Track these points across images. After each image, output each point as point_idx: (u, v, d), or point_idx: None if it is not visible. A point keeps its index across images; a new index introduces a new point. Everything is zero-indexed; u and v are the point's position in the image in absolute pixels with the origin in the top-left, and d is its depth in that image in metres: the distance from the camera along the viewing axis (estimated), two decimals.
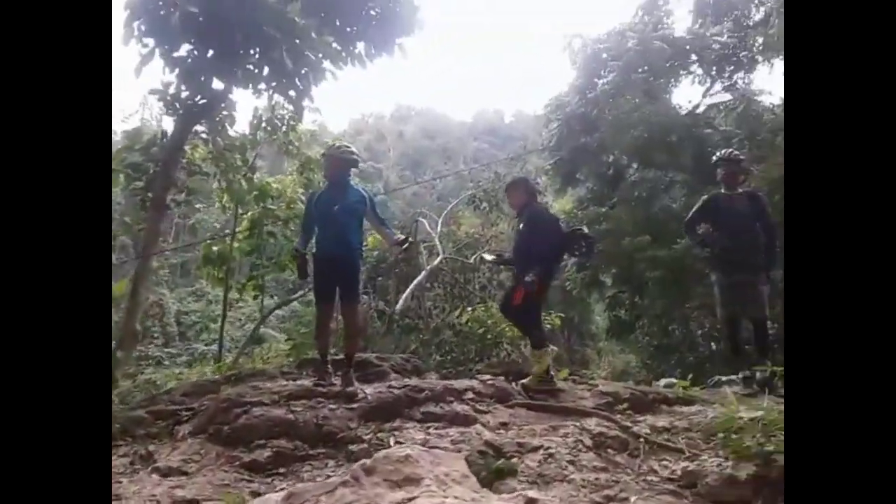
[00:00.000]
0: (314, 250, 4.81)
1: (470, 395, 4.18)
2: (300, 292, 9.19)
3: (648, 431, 3.64)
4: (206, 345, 23.19)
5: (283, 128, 8.11)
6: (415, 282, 9.69)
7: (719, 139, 14.04)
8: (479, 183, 12.52)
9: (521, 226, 4.90)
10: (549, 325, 6.77)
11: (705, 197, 5.37)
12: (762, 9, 14.06)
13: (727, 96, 14.98)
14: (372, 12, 6.55)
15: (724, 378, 4.87)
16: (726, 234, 4.99)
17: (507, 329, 6.75)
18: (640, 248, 11.41)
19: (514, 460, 3.24)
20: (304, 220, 5.06)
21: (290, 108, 7.51)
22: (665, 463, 3.30)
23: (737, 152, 5.54)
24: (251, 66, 5.49)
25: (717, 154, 5.42)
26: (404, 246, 4.94)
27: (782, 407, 3.43)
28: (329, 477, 3.18)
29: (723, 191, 5.19)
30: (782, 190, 10.88)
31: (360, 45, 6.72)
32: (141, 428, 4.33)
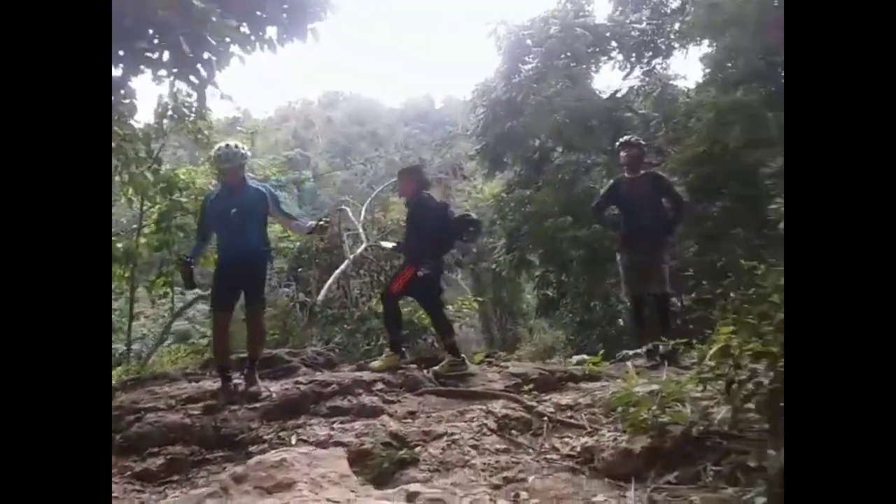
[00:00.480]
0: (217, 255, 4.55)
1: (380, 385, 4.13)
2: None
3: (552, 410, 3.69)
4: (125, 345, 22.04)
5: (192, 116, 7.71)
6: (338, 271, 9.53)
7: (638, 122, 14.55)
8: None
9: (407, 215, 4.96)
10: (466, 308, 6.78)
11: (610, 181, 5.58)
12: None
13: (645, 80, 15.49)
14: None
15: (630, 352, 5.02)
16: (630, 215, 5.20)
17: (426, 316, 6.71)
18: (561, 229, 11.67)
19: (418, 449, 3.21)
20: (198, 226, 4.75)
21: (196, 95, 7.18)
22: (566, 440, 3.36)
23: (637, 137, 5.71)
24: (148, 52, 5.15)
25: (619, 140, 5.59)
26: (322, 226, 4.70)
27: (681, 378, 3.56)
28: None
29: (626, 175, 5.39)
30: (696, 169, 11.37)
31: (271, 30, 6.48)
32: None
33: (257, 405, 3.86)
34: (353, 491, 2.09)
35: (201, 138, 8.15)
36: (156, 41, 5.42)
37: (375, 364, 4.73)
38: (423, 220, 4.80)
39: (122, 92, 6.04)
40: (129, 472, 3.32)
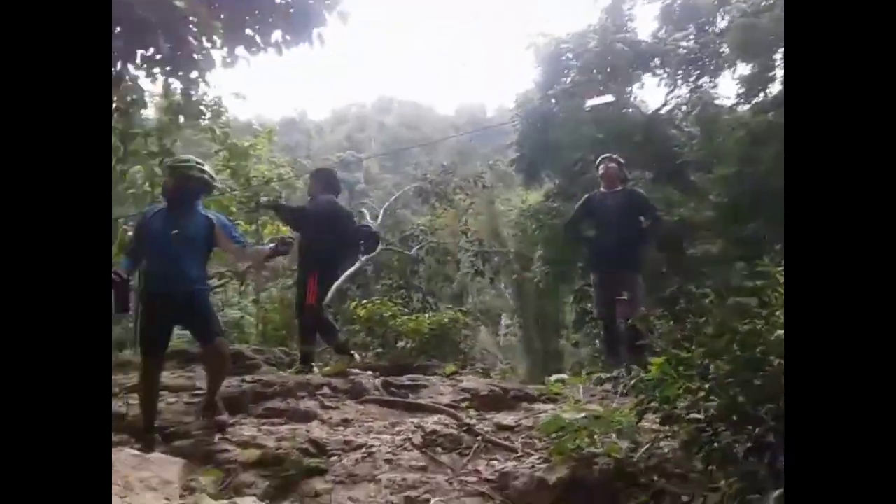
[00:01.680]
0: (142, 285, 3.96)
1: (325, 390, 4.07)
2: (222, 281, 8.95)
3: (490, 430, 3.54)
4: None
5: (208, 114, 7.91)
6: (349, 271, 9.48)
7: (685, 139, 14.14)
8: (426, 175, 12.41)
9: (304, 214, 5.06)
10: (446, 319, 6.64)
11: (585, 196, 5.44)
12: (727, 17, 14.12)
13: (689, 98, 15.09)
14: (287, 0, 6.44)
15: (604, 376, 4.78)
16: (603, 232, 5.04)
17: (398, 323, 6.55)
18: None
19: (333, 459, 3.13)
20: (130, 243, 4.09)
21: (212, 96, 7.43)
22: (494, 463, 3.21)
23: (616, 155, 5.50)
24: (143, 50, 5.31)
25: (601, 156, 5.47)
26: (286, 241, 4.12)
27: (625, 408, 3.36)
28: None
29: (602, 189, 5.24)
30: (728, 190, 10.91)
31: (277, 34, 6.61)
32: None
33: (195, 400, 3.86)
34: (167, 499, 2.02)
35: (219, 136, 8.35)
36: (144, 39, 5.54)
37: (326, 369, 4.71)
38: (320, 224, 4.80)
39: (130, 85, 6.20)
40: None
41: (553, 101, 14.59)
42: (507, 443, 3.38)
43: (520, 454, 3.24)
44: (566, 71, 14.98)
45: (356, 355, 5.05)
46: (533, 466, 2.95)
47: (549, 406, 3.99)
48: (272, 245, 4.05)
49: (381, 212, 11.28)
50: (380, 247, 10.33)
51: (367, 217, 11.23)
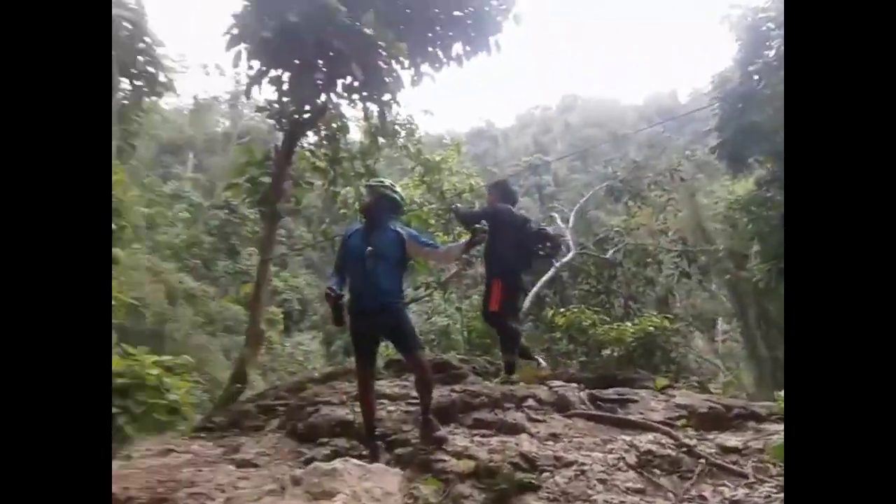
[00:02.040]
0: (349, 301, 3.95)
1: (531, 402, 4.05)
2: (428, 291, 9.41)
3: (714, 451, 3.25)
4: None
5: (402, 133, 8.49)
6: (544, 278, 9.45)
7: None
8: (616, 173, 11.90)
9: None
10: (651, 326, 6.23)
11: None
12: None
13: None
14: (466, 12, 6.69)
15: None
16: None
17: (598, 331, 6.31)
18: None
19: (545, 475, 3.10)
20: (336, 259, 4.21)
21: (404, 115, 7.95)
22: (722, 489, 2.94)
23: None
24: (344, 79, 5.89)
25: None
26: (482, 231, 3.96)
27: None
28: None
29: None
30: None
31: (457, 46, 6.89)
32: (247, 420, 4.87)
33: (411, 409, 4.09)
34: None
35: (413, 153, 8.89)
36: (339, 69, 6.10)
37: (515, 376, 4.77)
38: (498, 231, 4.83)
39: (334, 114, 6.87)
40: (301, 458, 3.78)
41: (755, 77, 13.18)
42: (734, 467, 3.08)
43: (751, 480, 2.93)
44: (768, 42, 13.42)
45: (541, 361, 5.07)
46: (769, 496, 2.65)
47: (781, 427, 3.56)
48: (461, 242, 4.18)
49: (572, 215, 11.06)
50: (572, 252, 10.18)
51: (559, 221, 11.13)
